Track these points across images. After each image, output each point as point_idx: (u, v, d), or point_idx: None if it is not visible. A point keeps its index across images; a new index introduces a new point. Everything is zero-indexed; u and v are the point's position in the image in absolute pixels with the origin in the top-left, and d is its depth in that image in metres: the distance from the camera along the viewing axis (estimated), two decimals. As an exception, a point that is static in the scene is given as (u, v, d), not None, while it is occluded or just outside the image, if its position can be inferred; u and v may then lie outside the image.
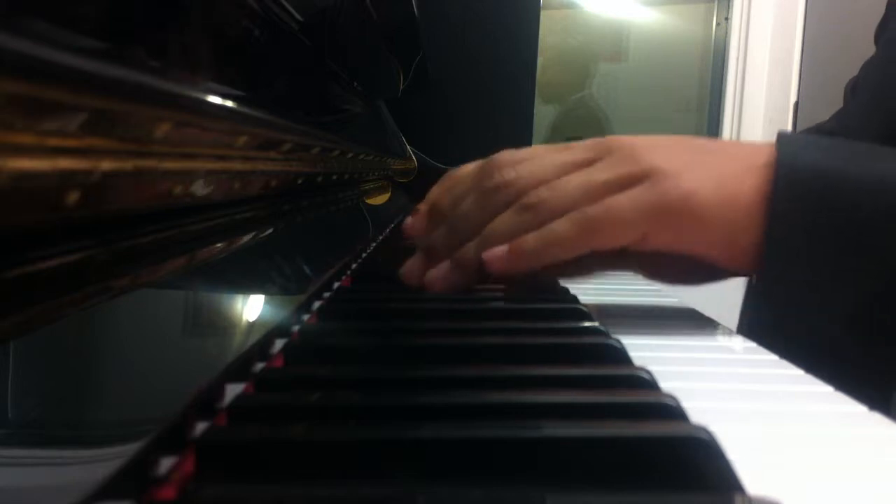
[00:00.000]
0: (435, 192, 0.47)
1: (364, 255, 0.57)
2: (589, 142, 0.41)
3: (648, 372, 0.25)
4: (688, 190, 0.35)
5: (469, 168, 0.46)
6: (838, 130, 0.60)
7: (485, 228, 0.39)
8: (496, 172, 0.41)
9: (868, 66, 0.60)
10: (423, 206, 0.48)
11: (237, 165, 0.30)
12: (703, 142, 0.39)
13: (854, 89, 0.63)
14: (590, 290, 0.49)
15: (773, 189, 0.35)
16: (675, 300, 0.47)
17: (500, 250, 0.38)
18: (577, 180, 0.38)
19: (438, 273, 0.40)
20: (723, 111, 2.00)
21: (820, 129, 0.64)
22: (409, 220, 0.49)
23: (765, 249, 0.35)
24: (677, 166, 0.36)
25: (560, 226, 0.37)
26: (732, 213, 0.35)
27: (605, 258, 0.39)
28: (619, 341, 0.30)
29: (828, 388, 0.28)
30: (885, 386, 0.29)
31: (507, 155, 0.42)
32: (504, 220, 0.39)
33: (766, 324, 0.37)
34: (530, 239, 0.37)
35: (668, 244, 0.37)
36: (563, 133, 2.20)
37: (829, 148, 0.37)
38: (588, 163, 0.39)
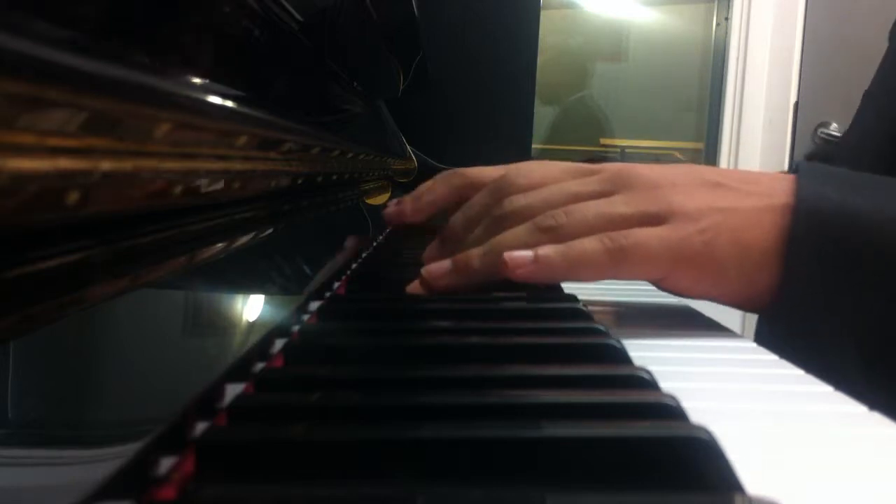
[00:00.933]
0: (440, 191, 0.46)
1: (364, 255, 0.57)
2: (606, 172, 0.40)
3: (648, 372, 0.25)
4: (709, 238, 0.36)
5: (481, 176, 0.45)
6: (856, 141, 0.60)
7: (495, 238, 0.39)
8: (507, 202, 0.40)
9: (882, 67, 0.60)
10: (408, 199, 0.48)
11: (237, 165, 0.30)
12: (720, 176, 0.38)
13: (870, 94, 0.63)
14: (590, 290, 0.49)
15: (791, 232, 0.35)
16: (675, 300, 0.47)
17: (525, 256, 0.37)
18: (595, 209, 0.38)
19: (437, 268, 0.40)
20: (723, 111, 1.99)
21: (841, 143, 0.64)
22: (391, 206, 0.48)
23: (782, 294, 0.35)
24: (697, 209, 0.36)
25: (590, 246, 0.36)
26: (751, 258, 0.36)
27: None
28: (619, 341, 0.30)
29: (828, 388, 0.27)
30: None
31: (519, 178, 0.42)
32: (516, 235, 0.38)
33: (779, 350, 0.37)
34: (557, 254, 0.36)
35: (687, 288, 0.37)
36: (562, 133, 2.20)
37: (848, 184, 0.37)
38: (603, 195, 0.39)
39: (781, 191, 0.37)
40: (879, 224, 0.34)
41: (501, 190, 0.42)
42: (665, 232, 0.36)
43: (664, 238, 0.36)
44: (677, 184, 0.38)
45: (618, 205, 0.38)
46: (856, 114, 0.64)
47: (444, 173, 0.48)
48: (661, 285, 0.38)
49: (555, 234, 0.37)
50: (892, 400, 0.33)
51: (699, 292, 0.37)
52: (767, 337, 0.37)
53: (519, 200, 0.40)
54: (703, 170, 0.39)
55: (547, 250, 0.37)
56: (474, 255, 0.39)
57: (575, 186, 0.40)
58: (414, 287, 0.41)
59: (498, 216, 0.40)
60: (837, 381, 0.32)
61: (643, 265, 0.36)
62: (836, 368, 0.34)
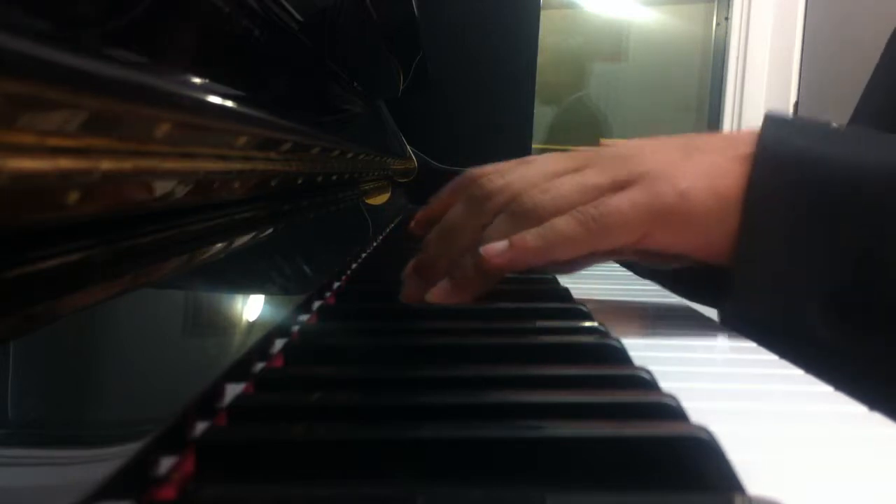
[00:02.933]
0: (445, 193, 0.46)
1: (364, 254, 0.57)
2: (579, 152, 0.41)
3: (648, 372, 0.25)
4: (681, 190, 0.36)
5: (482, 170, 0.44)
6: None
7: (479, 239, 0.38)
8: (484, 180, 0.40)
9: (879, 67, 0.60)
10: (429, 209, 0.47)
11: (237, 165, 0.30)
12: (688, 139, 0.39)
13: (867, 93, 0.63)
14: (589, 290, 0.49)
15: (752, 176, 0.35)
16: (675, 299, 0.47)
17: (500, 246, 0.37)
18: (569, 183, 0.38)
19: (439, 292, 0.39)
20: (723, 111, 2.00)
21: None
22: (414, 221, 0.47)
23: (740, 233, 0.35)
24: (667, 167, 0.36)
25: (563, 224, 0.36)
26: (722, 208, 0.36)
27: (601, 255, 0.39)
28: (619, 341, 0.30)
29: (828, 388, 0.27)
30: (858, 373, 0.29)
31: (491, 166, 0.42)
32: (498, 228, 0.38)
33: (740, 309, 0.37)
34: (532, 236, 0.36)
35: (667, 245, 0.37)
36: (562, 133, 2.21)
37: (814, 132, 0.37)
38: (576, 170, 0.39)
39: (748, 142, 0.37)
40: (844, 168, 0.34)
41: (476, 172, 0.42)
42: (636, 193, 0.36)
43: (635, 199, 0.36)
44: (646, 149, 0.38)
45: (590, 176, 0.38)
46: (853, 113, 0.64)
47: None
48: (640, 246, 0.38)
49: (535, 215, 0.37)
50: (842, 339, 0.34)
51: (678, 248, 0.37)
52: (726, 290, 0.36)
53: (497, 179, 0.40)
54: (674, 137, 0.39)
55: (522, 234, 0.36)
56: (467, 265, 0.38)
57: (548, 165, 0.40)
58: (407, 292, 0.40)
59: (477, 196, 0.40)
60: (795, 332, 0.32)
61: (619, 230, 0.36)
62: (794, 316, 0.35)
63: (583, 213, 0.36)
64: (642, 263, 0.43)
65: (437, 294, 0.38)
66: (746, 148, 0.36)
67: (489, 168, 0.42)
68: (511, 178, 0.40)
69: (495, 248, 0.36)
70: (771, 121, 0.38)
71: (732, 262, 0.36)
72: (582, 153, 0.40)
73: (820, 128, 0.38)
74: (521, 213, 0.38)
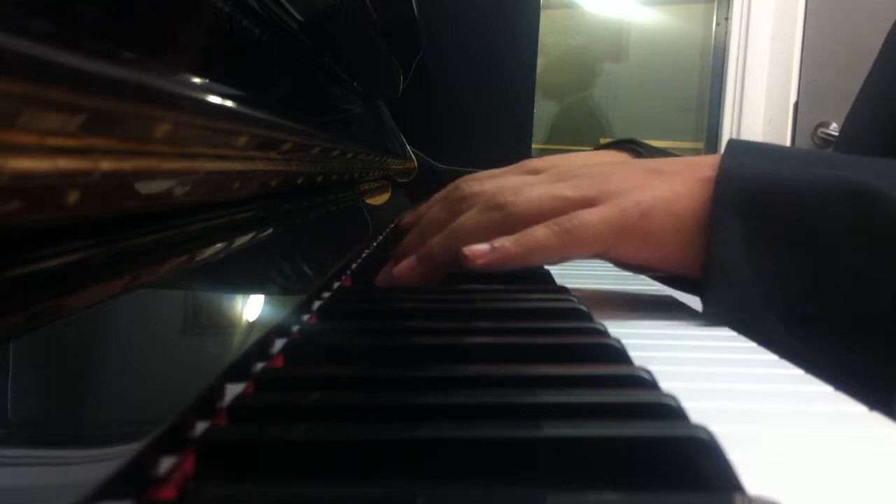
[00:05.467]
0: (434, 200, 0.51)
1: (364, 254, 0.57)
2: (553, 169, 0.46)
3: (648, 371, 0.25)
4: (645, 207, 0.39)
5: (470, 177, 0.50)
6: (852, 135, 0.61)
7: (451, 224, 0.43)
8: (463, 185, 0.45)
9: (878, 61, 0.61)
10: (422, 208, 0.52)
11: (237, 165, 0.30)
12: (656, 164, 0.43)
13: (866, 88, 0.63)
14: (591, 290, 0.49)
15: (713, 197, 0.39)
16: (675, 299, 0.47)
17: (483, 248, 0.40)
18: (540, 190, 0.42)
19: (404, 265, 0.43)
20: (723, 111, 1.99)
21: (839, 139, 0.66)
22: (406, 217, 0.54)
23: (707, 248, 0.38)
24: (632, 188, 0.40)
25: (540, 233, 0.40)
26: (684, 226, 0.39)
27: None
28: (618, 341, 0.30)
29: (828, 388, 0.28)
30: (833, 378, 0.30)
31: (483, 173, 0.47)
32: (469, 216, 0.42)
33: (715, 315, 0.40)
34: (512, 242, 0.40)
35: (629, 256, 0.41)
36: (562, 133, 2.20)
37: (772, 155, 0.40)
38: (549, 183, 0.43)
39: (711, 165, 0.40)
40: (796, 187, 0.37)
41: (457, 181, 0.47)
42: (604, 210, 0.40)
43: (604, 215, 0.40)
44: (615, 172, 0.42)
45: (560, 188, 0.42)
46: (850, 108, 0.64)
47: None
48: (606, 257, 0.41)
49: (505, 211, 0.41)
50: (808, 346, 0.36)
51: (641, 260, 0.41)
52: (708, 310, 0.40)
53: (474, 185, 0.45)
54: (641, 160, 0.44)
55: (502, 240, 0.40)
56: (434, 242, 0.43)
57: (526, 177, 0.45)
58: (384, 277, 0.45)
59: (454, 198, 0.45)
60: (767, 341, 0.34)
61: (588, 242, 0.40)
62: (761, 326, 0.37)
63: (558, 225, 0.40)
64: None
65: (401, 268, 0.43)
66: (707, 171, 0.40)
67: (483, 174, 0.47)
68: (486, 184, 0.45)
69: (478, 249, 0.40)
70: (731, 146, 0.41)
71: (697, 275, 0.39)
72: (558, 171, 0.45)
73: (779, 151, 0.42)
74: (492, 207, 0.42)
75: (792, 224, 0.37)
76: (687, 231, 0.39)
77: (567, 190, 0.41)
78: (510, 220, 0.41)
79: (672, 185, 0.40)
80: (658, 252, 0.40)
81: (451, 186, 0.48)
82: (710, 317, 0.39)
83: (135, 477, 0.16)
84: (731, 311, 0.38)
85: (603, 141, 0.57)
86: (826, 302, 0.36)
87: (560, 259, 0.41)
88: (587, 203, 0.40)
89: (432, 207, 0.47)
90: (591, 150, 0.63)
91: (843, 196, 0.36)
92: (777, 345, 0.34)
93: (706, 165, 0.40)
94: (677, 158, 0.43)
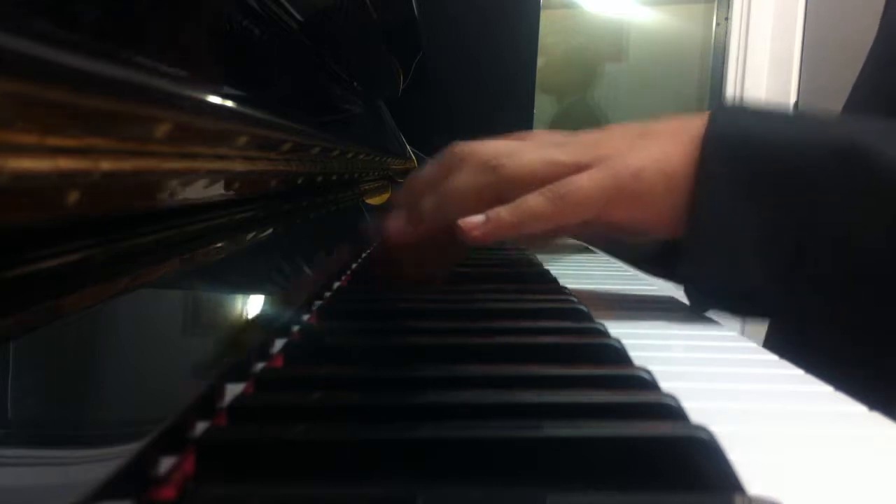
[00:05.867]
0: (427, 168, 0.50)
1: (364, 254, 0.57)
2: (545, 137, 0.45)
3: (648, 372, 0.25)
4: (636, 168, 0.39)
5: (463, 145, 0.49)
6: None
7: (443, 184, 0.42)
8: (456, 148, 0.44)
9: (874, 49, 0.61)
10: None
11: (237, 165, 0.30)
12: (646, 125, 0.43)
13: (862, 75, 0.64)
14: (591, 291, 0.49)
15: (701, 154, 0.39)
16: (675, 299, 0.47)
17: (477, 219, 0.40)
18: (535, 154, 0.41)
19: (394, 223, 0.43)
20: (723, 111, 1.99)
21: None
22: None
23: (691, 204, 0.39)
24: (623, 150, 0.40)
25: (533, 200, 0.39)
26: (670, 186, 0.39)
27: (569, 228, 0.43)
28: (618, 341, 0.30)
29: (828, 388, 0.28)
30: (807, 338, 0.30)
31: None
32: (461, 178, 0.41)
33: (692, 278, 0.40)
34: (506, 211, 0.40)
35: (623, 218, 0.40)
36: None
37: (762, 115, 0.41)
38: (543, 147, 0.43)
39: (700, 125, 0.40)
40: (785, 146, 0.38)
41: (451, 147, 0.46)
42: (596, 172, 0.40)
43: (595, 177, 0.39)
44: (606, 135, 0.42)
45: (555, 153, 0.41)
46: (848, 96, 0.64)
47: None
48: (599, 221, 0.41)
49: (499, 173, 0.41)
50: (791, 304, 0.37)
51: (633, 221, 0.41)
52: (680, 259, 0.40)
53: (467, 148, 0.44)
54: (634, 123, 0.43)
55: (496, 210, 0.40)
56: (426, 202, 0.42)
57: (518, 143, 0.44)
58: (373, 233, 0.45)
59: (448, 161, 0.44)
60: (747, 300, 0.35)
61: (582, 205, 0.39)
62: (744, 282, 0.38)
63: (550, 191, 0.40)
64: (610, 240, 0.48)
65: (393, 225, 0.43)
66: (697, 131, 0.40)
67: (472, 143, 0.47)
68: (480, 147, 0.44)
69: (473, 220, 0.40)
70: (721, 107, 0.42)
71: (684, 231, 0.39)
72: (551, 138, 0.44)
73: (769, 112, 0.42)
74: (485, 169, 0.41)
75: (779, 179, 0.37)
76: (678, 189, 0.39)
77: (560, 155, 0.41)
78: (502, 184, 0.41)
79: (662, 146, 0.40)
80: (650, 213, 0.40)
81: (444, 151, 0.47)
82: (684, 269, 0.39)
83: (135, 477, 0.16)
84: (710, 261, 0.38)
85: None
86: (811, 256, 0.36)
87: (554, 226, 0.40)
88: (580, 168, 0.40)
89: (427, 166, 0.46)
90: None
91: (829, 151, 0.36)
92: (749, 300, 0.34)
93: (695, 125, 0.40)
94: (667, 121, 0.43)
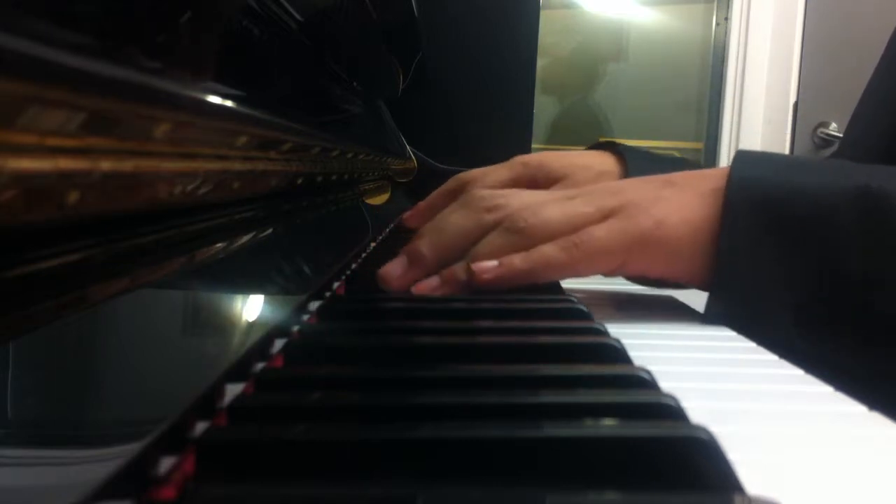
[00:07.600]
0: (435, 195, 0.51)
1: (364, 254, 0.57)
2: (567, 181, 0.48)
3: (648, 372, 0.25)
4: (657, 220, 0.40)
5: (471, 175, 0.50)
6: (858, 133, 0.62)
7: (473, 248, 0.42)
8: (484, 193, 0.45)
9: (884, 58, 0.61)
10: (423, 204, 0.52)
11: (237, 165, 0.30)
12: (667, 176, 0.43)
13: (871, 86, 0.64)
14: (591, 291, 0.49)
15: (724, 203, 0.39)
16: (675, 299, 0.47)
17: (490, 264, 0.40)
18: (559, 208, 0.42)
19: (428, 286, 0.42)
20: (723, 111, 1.99)
21: (843, 138, 0.67)
22: (408, 213, 0.53)
23: (717, 256, 0.39)
24: (645, 200, 0.41)
25: (549, 250, 0.40)
26: (693, 236, 0.40)
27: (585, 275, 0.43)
28: (618, 341, 0.30)
29: (828, 388, 0.28)
30: (837, 378, 0.30)
31: (479, 170, 0.48)
32: (491, 241, 0.42)
33: (722, 324, 0.40)
34: (520, 259, 0.40)
35: (643, 270, 0.41)
36: (563, 133, 2.20)
37: (779, 163, 0.41)
38: (567, 199, 0.43)
39: (721, 175, 0.41)
40: (801, 193, 0.38)
41: (477, 186, 0.47)
42: (616, 223, 0.40)
43: (613, 227, 0.40)
44: (629, 185, 0.43)
45: (578, 204, 0.42)
46: (856, 107, 0.64)
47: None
48: (623, 272, 0.41)
49: (526, 234, 0.41)
50: (816, 347, 0.37)
51: (656, 271, 0.41)
52: (714, 313, 0.40)
53: (498, 198, 0.44)
54: (655, 175, 0.44)
55: (511, 257, 0.40)
56: (459, 269, 0.42)
57: (544, 193, 0.45)
58: (389, 270, 0.43)
59: (478, 207, 0.44)
60: (772, 341, 0.35)
61: (599, 257, 0.40)
62: (771, 327, 0.38)
63: (567, 241, 0.40)
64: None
65: (424, 287, 0.42)
66: (718, 182, 0.40)
67: (477, 172, 0.48)
68: (508, 198, 0.44)
69: (486, 265, 0.40)
70: (741, 156, 0.42)
71: (709, 281, 0.40)
72: (575, 186, 0.46)
73: (786, 159, 0.43)
74: (512, 230, 0.41)
75: (801, 226, 0.37)
76: (702, 239, 0.39)
77: (584, 206, 0.41)
78: (526, 241, 0.41)
79: (685, 196, 0.41)
80: (673, 262, 0.40)
81: (461, 184, 0.48)
82: (713, 317, 0.39)
83: (135, 477, 0.16)
84: (739, 309, 0.38)
85: (603, 141, 0.57)
86: (835, 303, 0.37)
87: (574, 274, 0.41)
88: (605, 216, 0.40)
89: (450, 208, 0.45)
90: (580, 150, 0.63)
91: (851, 198, 0.37)
92: (783, 344, 0.34)
93: (717, 176, 0.41)
94: (688, 171, 0.43)
